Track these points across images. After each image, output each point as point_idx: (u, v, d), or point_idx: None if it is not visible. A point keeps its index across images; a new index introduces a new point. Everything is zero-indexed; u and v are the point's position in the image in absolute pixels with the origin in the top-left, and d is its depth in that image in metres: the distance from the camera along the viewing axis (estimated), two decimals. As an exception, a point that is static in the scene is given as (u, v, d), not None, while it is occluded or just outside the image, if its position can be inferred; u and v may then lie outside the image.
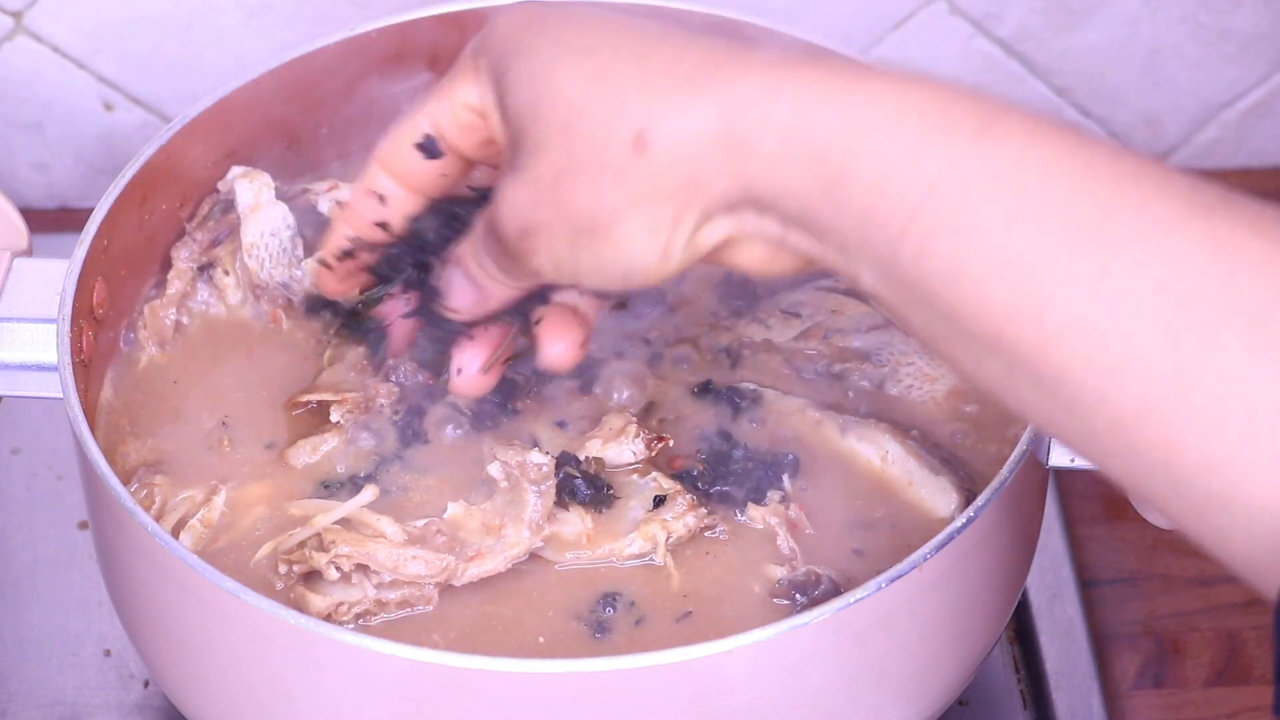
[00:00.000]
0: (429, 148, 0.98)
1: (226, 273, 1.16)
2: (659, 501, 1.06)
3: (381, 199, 1.01)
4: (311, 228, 1.19)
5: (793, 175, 0.84)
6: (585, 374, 1.12)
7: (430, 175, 1.00)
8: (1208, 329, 0.76)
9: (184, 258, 1.16)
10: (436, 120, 0.97)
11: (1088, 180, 0.80)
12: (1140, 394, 0.77)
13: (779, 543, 1.05)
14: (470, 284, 0.99)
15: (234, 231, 1.16)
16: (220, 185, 1.18)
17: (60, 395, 1.04)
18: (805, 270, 0.90)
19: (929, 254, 0.82)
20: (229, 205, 1.17)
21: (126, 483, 1.05)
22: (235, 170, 1.18)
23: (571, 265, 0.91)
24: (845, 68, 0.85)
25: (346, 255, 1.04)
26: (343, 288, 1.05)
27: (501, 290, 0.98)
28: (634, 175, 0.87)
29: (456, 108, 0.96)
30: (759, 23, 1.19)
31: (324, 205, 1.18)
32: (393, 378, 1.11)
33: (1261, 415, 0.75)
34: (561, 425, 1.10)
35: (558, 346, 1.01)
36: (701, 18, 1.20)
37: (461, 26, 1.21)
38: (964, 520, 0.98)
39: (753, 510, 1.06)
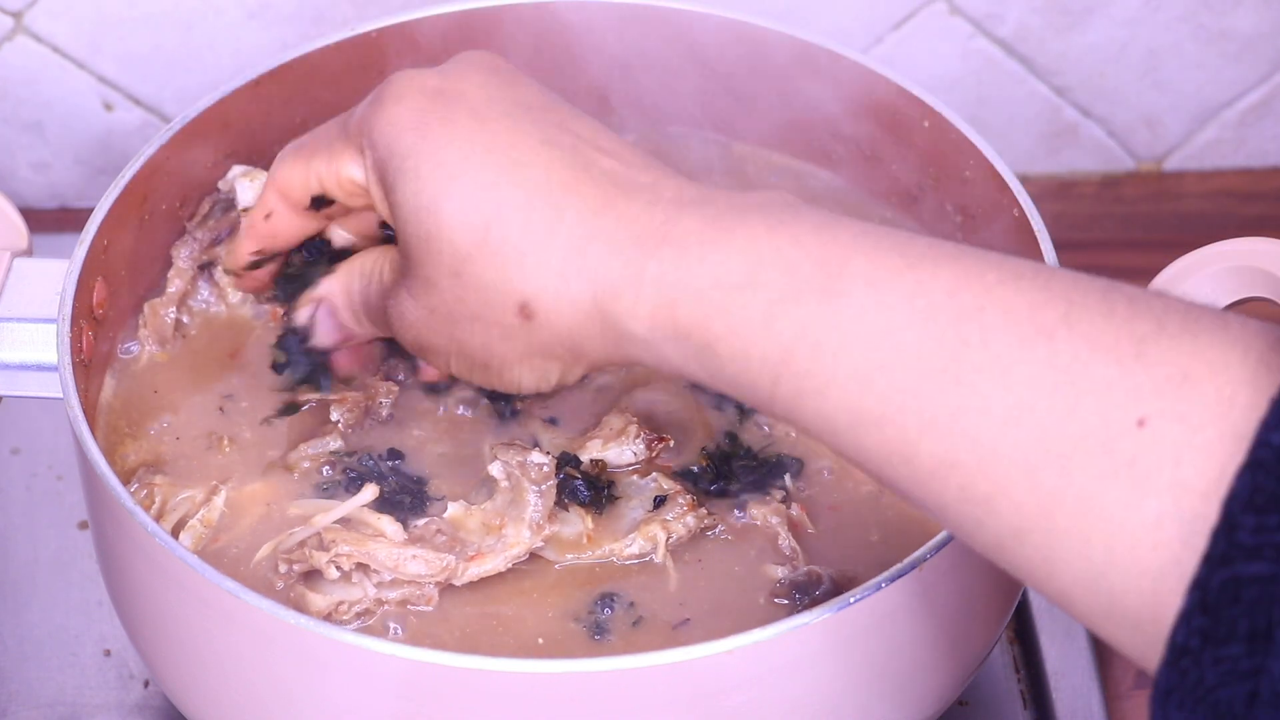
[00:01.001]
0: (318, 202, 1.02)
1: (227, 271, 1.16)
2: (659, 502, 1.06)
3: (268, 217, 1.05)
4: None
5: (665, 350, 0.89)
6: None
7: (319, 217, 1.04)
8: (1060, 459, 0.79)
9: (184, 257, 1.16)
10: (323, 181, 1.00)
11: (930, 325, 0.82)
12: (1012, 522, 0.81)
13: (780, 542, 1.05)
14: (337, 326, 1.04)
15: (234, 230, 1.16)
16: (220, 184, 1.18)
17: (60, 395, 1.04)
18: None
19: (798, 409, 0.85)
20: (229, 204, 1.17)
21: (126, 483, 1.05)
22: (235, 169, 1.17)
23: (466, 378, 0.97)
24: (698, 235, 0.88)
25: (253, 265, 1.07)
26: (257, 286, 1.08)
27: (373, 333, 1.03)
28: (520, 337, 0.92)
29: (343, 180, 0.99)
30: (759, 23, 1.19)
31: (324, 205, 1.18)
32: (393, 377, 1.11)
33: (1120, 537, 0.78)
34: (551, 422, 1.10)
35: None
36: (700, 18, 1.20)
37: (461, 26, 1.21)
38: (964, 520, 0.98)
39: (754, 509, 1.06)
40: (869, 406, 0.83)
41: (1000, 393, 0.80)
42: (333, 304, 1.03)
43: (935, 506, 0.83)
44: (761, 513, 1.06)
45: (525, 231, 0.91)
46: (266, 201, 1.04)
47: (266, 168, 1.18)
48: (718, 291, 0.86)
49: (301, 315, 1.05)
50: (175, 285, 1.15)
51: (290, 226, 1.04)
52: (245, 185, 1.17)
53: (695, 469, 1.07)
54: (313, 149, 1.01)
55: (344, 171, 0.99)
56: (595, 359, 0.92)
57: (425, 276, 0.94)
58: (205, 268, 1.16)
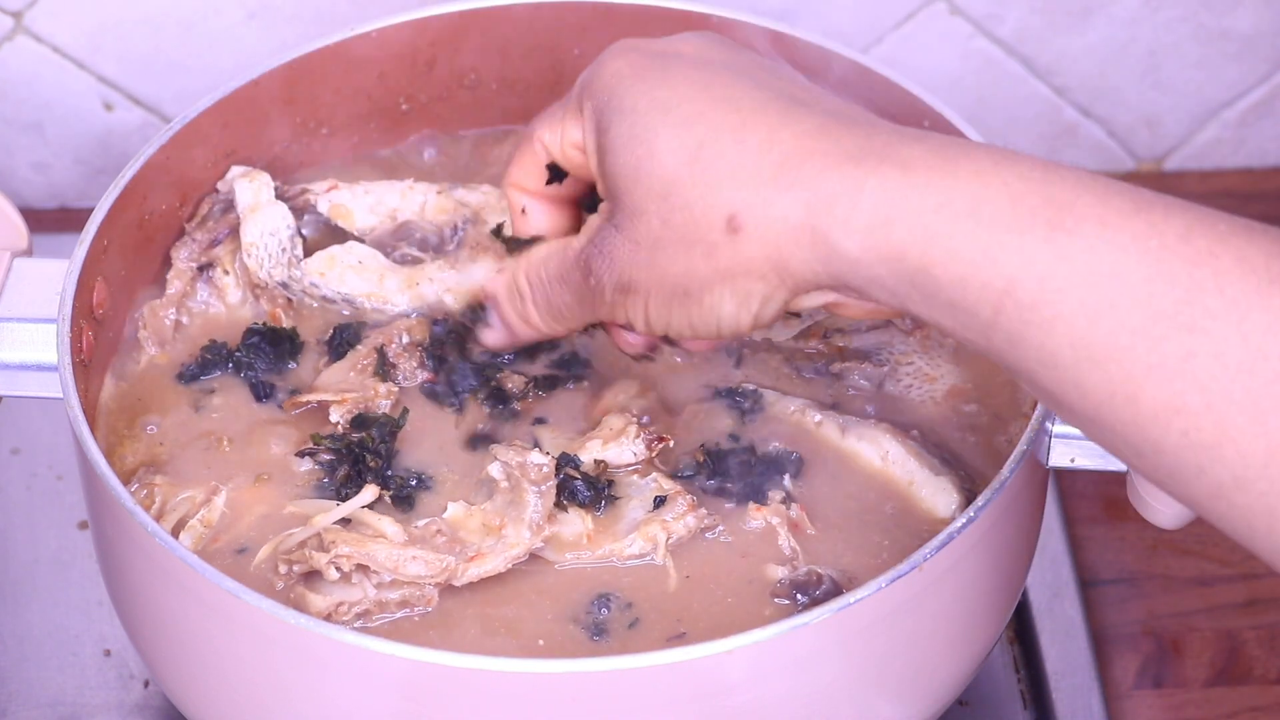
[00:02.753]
0: (554, 171, 1.04)
1: (226, 272, 1.16)
2: (659, 502, 1.06)
3: (523, 212, 1.06)
4: (311, 227, 1.19)
5: (877, 271, 0.88)
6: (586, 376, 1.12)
7: (558, 190, 1.05)
8: None
9: (184, 257, 1.16)
10: (550, 150, 1.02)
11: (1162, 265, 0.82)
12: (1235, 470, 0.81)
13: (780, 542, 1.05)
14: (502, 325, 1.05)
15: (234, 231, 1.16)
16: (220, 185, 1.18)
17: (60, 395, 1.04)
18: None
19: (1019, 342, 0.85)
20: (229, 205, 1.17)
21: (126, 483, 1.05)
22: (235, 170, 1.18)
23: (663, 321, 0.96)
24: (924, 161, 0.88)
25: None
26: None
27: (533, 334, 1.04)
28: (726, 253, 0.92)
29: (566, 145, 1.01)
30: (759, 23, 1.19)
31: (324, 205, 1.18)
32: (392, 377, 1.11)
33: None
34: (540, 421, 1.10)
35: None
36: (700, 18, 1.20)
37: (461, 26, 1.21)
38: (964, 520, 0.98)
39: (754, 510, 1.06)
40: (1096, 343, 0.83)
41: (1236, 339, 0.80)
42: (497, 301, 1.05)
43: (1152, 451, 0.83)
44: (761, 514, 1.06)
45: (738, 147, 0.91)
46: (513, 203, 1.06)
47: (266, 168, 1.19)
48: (941, 215, 0.86)
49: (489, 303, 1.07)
50: (175, 286, 1.15)
51: (543, 214, 1.06)
52: (245, 186, 1.17)
53: (693, 466, 1.07)
54: (531, 134, 1.03)
55: (567, 136, 1.00)
56: (800, 279, 0.91)
57: (632, 207, 0.94)
58: (204, 269, 1.16)
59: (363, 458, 1.07)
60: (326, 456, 1.08)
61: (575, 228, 1.06)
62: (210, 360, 1.13)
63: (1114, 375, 0.83)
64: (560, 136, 1.01)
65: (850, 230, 0.88)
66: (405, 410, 1.09)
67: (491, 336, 1.07)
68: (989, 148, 0.89)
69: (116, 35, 1.41)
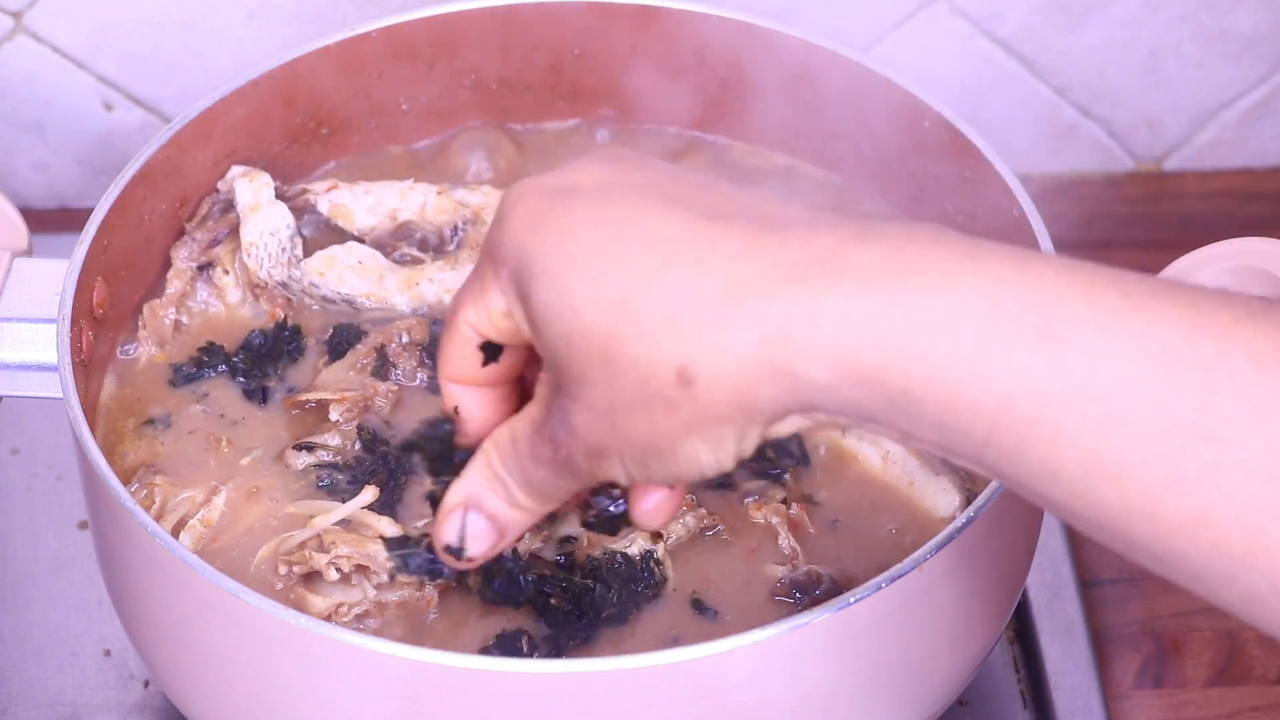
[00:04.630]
0: (489, 350, 0.93)
1: (226, 272, 1.16)
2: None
3: (456, 412, 0.95)
4: (311, 227, 1.19)
5: (853, 396, 0.81)
6: None
7: (495, 371, 0.95)
8: None
9: (183, 257, 1.16)
10: (479, 329, 0.91)
11: (1170, 372, 0.77)
12: (1272, 575, 0.76)
13: (780, 542, 1.05)
14: (490, 523, 0.94)
15: (233, 231, 1.16)
16: (220, 185, 1.18)
17: (60, 395, 1.04)
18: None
19: (1018, 459, 0.79)
20: (229, 205, 1.17)
21: (126, 483, 1.05)
22: (235, 170, 1.18)
23: (644, 476, 0.87)
24: (881, 268, 0.80)
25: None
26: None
27: (527, 519, 0.93)
28: (686, 408, 0.83)
29: (494, 318, 0.90)
30: (759, 23, 1.19)
31: (324, 205, 1.18)
32: (391, 377, 1.11)
33: None
34: None
35: (649, 503, 0.94)
36: (700, 18, 1.20)
37: (461, 26, 1.21)
38: (964, 520, 0.98)
39: (753, 509, 1.06)
40: (1106, 460, 0.77)
41: (1259, 445, 0.75)
42: (478, 500, 0.93)
43: (1176, 560, 0.78)
44: (762, 513, 1.06)
45: (665, 292, 0.82)
46: (449, 396, 0.94)
47: (266, 168, 1.19)
48: (914, 332, 0.79)
49: (450, 530, 0.93)
50: (174, 286, 1.15)
51: (482, 406, 0.95)
52: (245, 185, 1.17)
53: None
54: (454, 315, 0.93)
55: (492, 308, 0.90)
56: (770, 414, 0.83)
57: (576, 375, 0.85)
58: (204, 268, 1.16)
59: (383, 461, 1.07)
60: (325, 455, 1.08)
61: (518, 406, 0.95)
62: (206, 363, 1.13)
63: (1130, 491, 0.77)
64: (485, 312, 0.90)
65: (814, 360, 0.80)
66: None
67: (482, 544, 0.94)
68: (946, 239, 0.80)
69: (116, 35, 1.41)
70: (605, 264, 0.84)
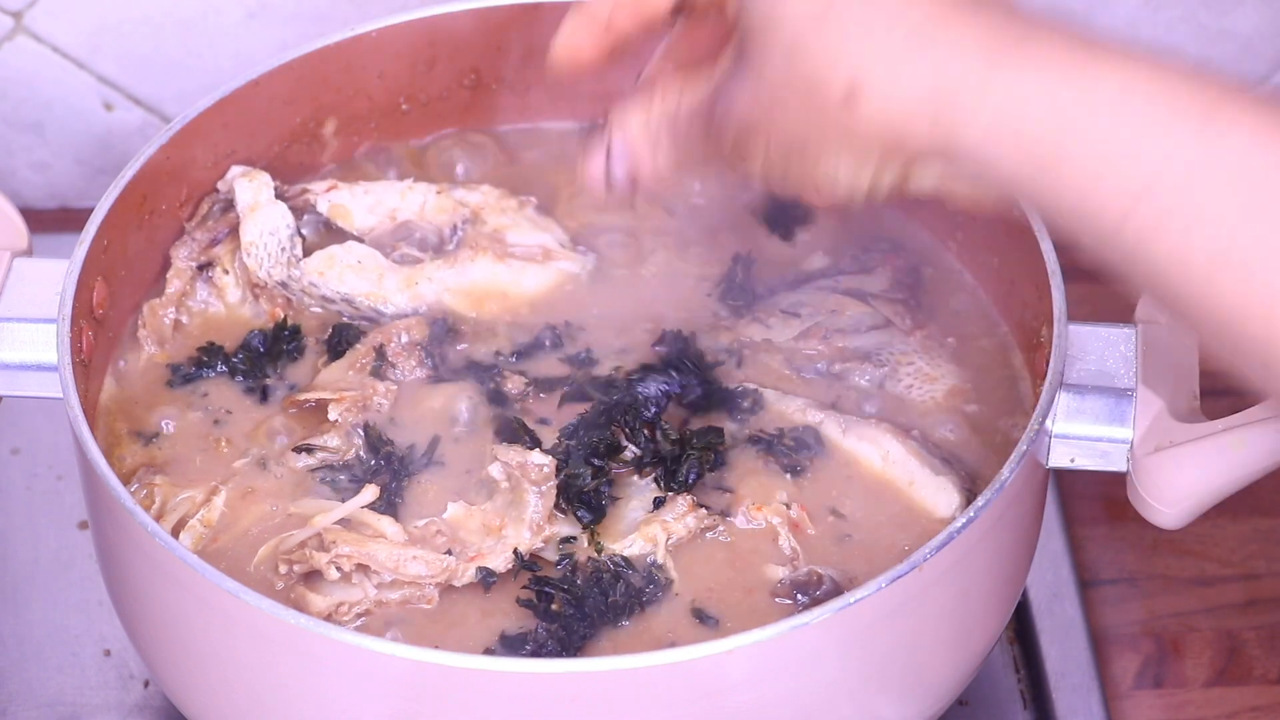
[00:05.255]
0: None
1: (226, 271, 1.16)
2: (659, 503, 1.06)
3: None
4: (310, 227, 1.19)
5: (1003, 151, 0.85)
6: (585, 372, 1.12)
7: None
8: None
9: (183, 257, 1.16)
10: None
11: None
12: None
13: (780, 542, 1.05)
14: (628, 154, 1.01)
15: (233, 231, 1.16)
16: (220, 185, 1.18)
17: (60, 395, 1.04)
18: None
19: (1150, 241, 0.82)
20: (229, 205, 1.17)
21: (126, 483, 1.05)
22: (235, 170, 1.18)
23: (781, 171, 0.93)
24: (1065, 46, 0.85)
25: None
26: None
27: (656, 165, 1.00)
28: (842, 118, 0.89)
29: None
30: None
31: (323, 205, 1.18)
32: (390, 376, 1.11)
33: None
34: (544, 422, 1.10)
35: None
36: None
37: (461, 26, 1.21)
38: (964, 520, 0.98)
39: (753, 509, 1.06)
40: (1236, 252, 0.80)
41: None
42: (627, 131, 1.00)
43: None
44: (762, 513, 1.06)
45: (870, 11, 0.88)
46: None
47: (266, 168, 1.19)
48: (1080, 109, 0.83)
49: (600, 147, 1.01)
50: (174, 286, 1.15)
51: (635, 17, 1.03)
52: (245, 185, 1.17)
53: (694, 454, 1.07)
54: None
55: None
56: (918, 150, 0.89)
57: (760, 55, 0.92)
58: (204, 268, 1.16)
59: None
60: (326, 455, 1.08)
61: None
62: (205, 363, 1.13)
63: (1252, 286, 0.80)
64: None
65: (975, 120, 0.86)
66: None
67: (608, 166, 1.01)
68: (1129, 46, 0.85)
69: (116, 35, 1.41)
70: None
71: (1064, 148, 0.83)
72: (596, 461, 1.06)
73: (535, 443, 1.07)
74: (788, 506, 1.06)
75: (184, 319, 1.16)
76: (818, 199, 0.95)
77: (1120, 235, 0.83)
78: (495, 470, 1.05)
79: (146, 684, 1.20)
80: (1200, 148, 0.81)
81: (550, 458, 1.05)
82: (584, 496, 1.05)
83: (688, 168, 1.00)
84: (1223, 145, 0.81)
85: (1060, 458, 1.05)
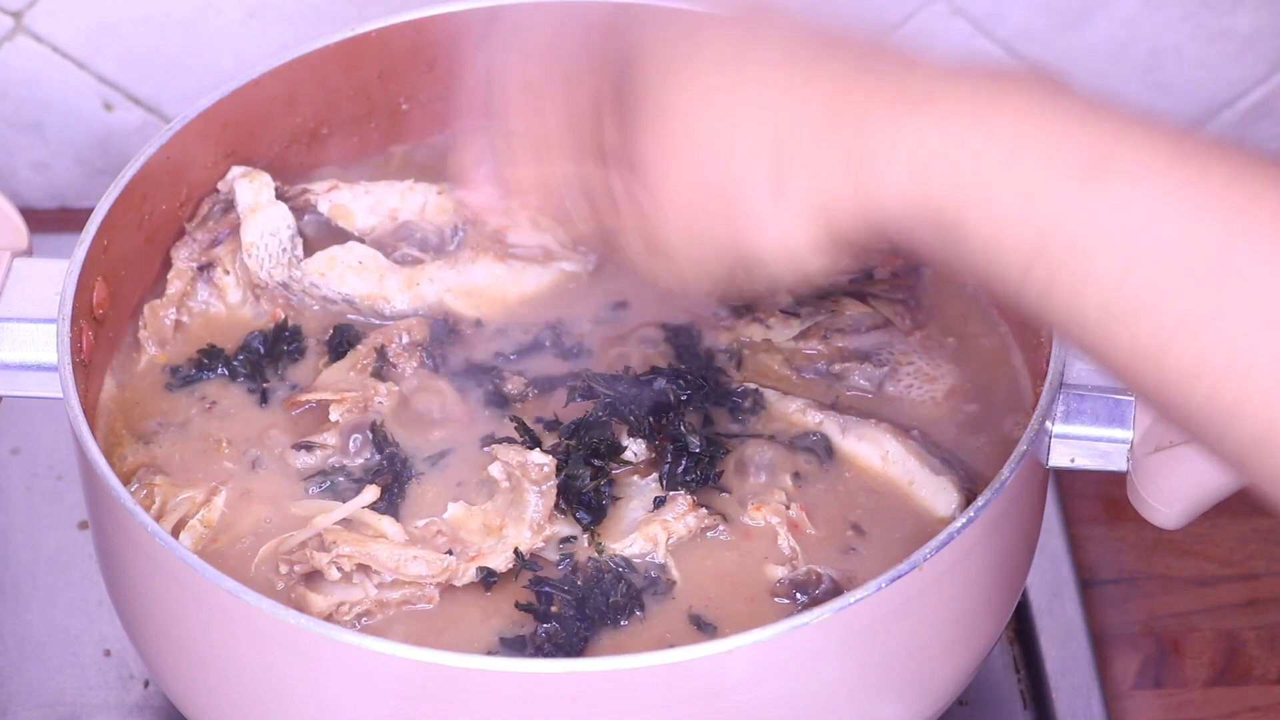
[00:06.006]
0: None
1: (226, 272, 1.16)
2: (659, 503, 1.06)
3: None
4: (312, 227, 1.19)
5: (914, 225, 0.86)
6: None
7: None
8: None
9: (184, 257, 1.16)
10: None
11: (1198, 220, 0.80)
12: (1262, 428, 0.79)
13: (779, 542, 1.05)
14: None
15: (234, 231, 1.16)
16: (220, 185, 1.18)
17: (60, 395, 1.04)
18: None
19: (1048, 296, 0.83)
20: (229, 205, 1.17)
21: (126, 483, 1.05)
22: (235, 170, 1.18)
23: (705, 282, 0.93)
24: (963, 105, 0.85)
25: None
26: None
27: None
28: (769, 210, 0.89)
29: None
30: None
31: (324, 205, 1.18)
32: (391, 376, 1.11)
33: None
34: (542, 422, 1.10)
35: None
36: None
37: (460, 27, 1.21)
38: (964, 520, 0.98)
39: (753, 509, 1.06)
40: (1123, 301, 0.81)
41: (1265, 295, 0.79)
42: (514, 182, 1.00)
43: (1179, 412, 0.82)
44: (761, 513, 1.06)
45: (774, 90, 0.88)
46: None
47: (266, 168, 1.19)
48: (975, 169, 0.84)
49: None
50: (175, 286, 1.15)
51: None
52: (245, 186, 1.17)
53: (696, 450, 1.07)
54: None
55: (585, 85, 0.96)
56: (842, 229, 0.88)
57: (659, 169, 0.91)
58: (204, 268, 1.16)
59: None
60: (326, 455, 1.08)
61: None
62: (205, 365, 1.13)
63: (1141, 334, 0.81)
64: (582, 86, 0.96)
65: (889, 182, 0.86)
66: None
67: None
68: (1032, 84, 0.86)
69: (116, 35, 1.41)
70: (717, 85, 0.89)
71: (966, 212, 0.85)
72: (596, 462, 1.06)
73: (535, 442, 1.07)
74: (787, 506, 1.06)
75: (185, 319, 1.16)
76: (755, 285, 0.94)
77: (1023, 292, 0.84)
78: (496, 470, 1.05)
79: (146, 684, 1.20)
80: (1086, 199, 0.82)
81: (550, 457, 1.05)
82: (584, 497, 1.05)
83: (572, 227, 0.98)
84: (1107, 195, 0.82)
85: (1060, 458, 1.05)
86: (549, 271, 1.17)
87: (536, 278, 1.17)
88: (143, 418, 1.12)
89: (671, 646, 1.00)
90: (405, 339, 1.13)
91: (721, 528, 1.06)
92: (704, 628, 1.02)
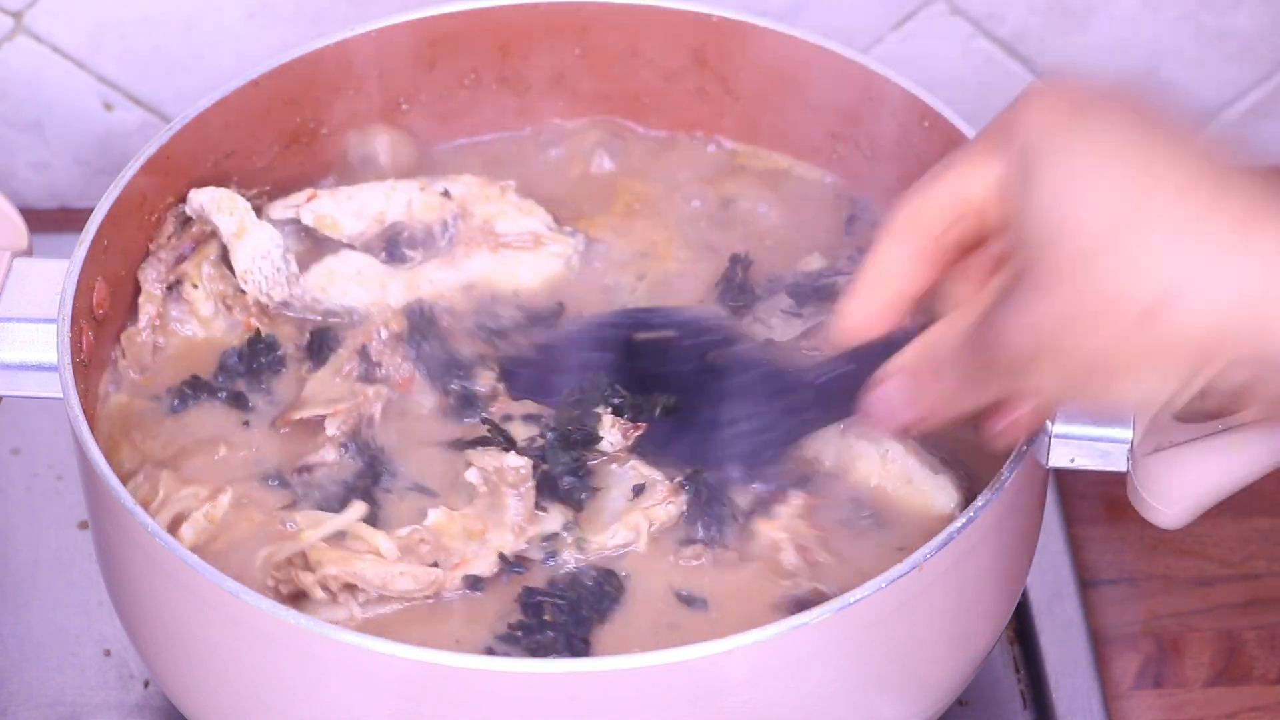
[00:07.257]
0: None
1: (195, 285, 1.14)
2: (639, 490, 1.05)
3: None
4: (294, 239, 1.18)
5: None
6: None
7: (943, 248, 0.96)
8: None
9: (151, 279, 1.14)
10: (957, 193, 0.93)
11: None
12: None
13: (781, 556, 1.05)
14: (917, 397, 0.96)
15: (199, 246, 1.15)
16: (187, 208, 1.16)
17: (60, 395, 1.04)
18: None
19: None
20: (188, 220, 1.16)
21: (127, 482, 1.05)
22: (201, 194, 1.16)
23: (1070, 394, 0.89)
24: None
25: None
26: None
27: (955, 406, 0.95)
28: (1138, 337, 0.85)
29: (985, 180, 0.92)
30: (759, 23, 1.19)
31: (307, 216, 1.17)
32: (378, 376, 1.10)
33: None
34: (535, 419, 1.09)
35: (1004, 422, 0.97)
36: (700, 18, 1.20)
37: (460, 27, 1.21)
38: (964, 520, 0.98)
39: (760, 526, 1.05)
40: None
41: None
42: (913, 371, 0.95)
43: None
44: (766, 529, 1.05)
45: (1178, 218, 0.84)
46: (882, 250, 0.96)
47: (266, 169, 1.19)
48: None
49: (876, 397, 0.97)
50: (148, 311, 1.14)
51: (910, 272, 0.96)
52: (224, 219, 1.14)
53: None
54: (946, 166, 0.94)
55: (985, 170, 0.91)
56: (1224, 362, 0.84)
57: (1048, 271, 0.86)
58: (172, 287, 1.15)
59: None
60: (324, 472, 1.08)
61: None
62: (189, 395, 1.12)
63: None
64: (978, 174, 0.92)
65: None
66: None
67: (902, 412, 0.96)
68: None
69: (116, 35, 1.41)
70: (1125, 173, 0.85)
71: None
72: (571, 456, 1.05)
73: (510, 444, 1.07)
74: (803, 520, 1.06)
75: (160, 340, 1.14)
76: (1107, 412, 0.90)
77: None
78: (472, 475, 1.05)
79: (146, 684, 1.20)
80: None
81: (526, 459, 1.04)
82: (559, 495, 1.05)
83: (947, 415, 0.95)
84: None
85: (1060, 457, 1.05)
86: (541, 258, 1.17)
87: (531, 266, 1.17)
88: (142, 421, 1.11)
89: (667, 626, 1.00)
90: (384, 334, 1.11)
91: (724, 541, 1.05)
92: (693, 604, 1.02)
